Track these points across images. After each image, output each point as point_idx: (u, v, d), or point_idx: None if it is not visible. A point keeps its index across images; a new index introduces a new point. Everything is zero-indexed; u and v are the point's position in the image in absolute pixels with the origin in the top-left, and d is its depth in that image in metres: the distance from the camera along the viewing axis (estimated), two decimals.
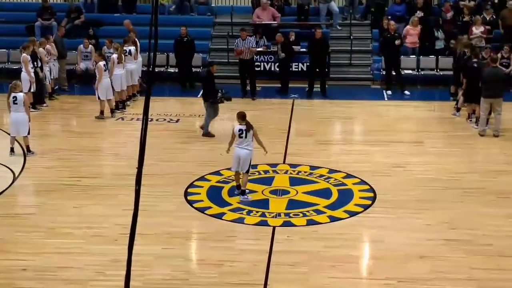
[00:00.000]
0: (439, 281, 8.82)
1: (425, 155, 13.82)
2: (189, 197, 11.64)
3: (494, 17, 19.79)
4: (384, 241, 10.04)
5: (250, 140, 11.29)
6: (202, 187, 12.08)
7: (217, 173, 12.68)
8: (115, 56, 16.73)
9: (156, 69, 19.38)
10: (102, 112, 16.28)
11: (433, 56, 19.53)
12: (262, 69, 19.71)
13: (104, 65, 16.20)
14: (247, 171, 11.39)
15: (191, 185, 12.12)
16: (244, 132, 11.27)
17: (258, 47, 19.30)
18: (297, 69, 19.64)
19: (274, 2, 20.93)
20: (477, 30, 19.04)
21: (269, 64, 19.76)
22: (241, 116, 11.42)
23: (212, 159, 13.36)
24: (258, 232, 10.46)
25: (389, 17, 19.70)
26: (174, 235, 10.20)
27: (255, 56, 18.78)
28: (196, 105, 16.55)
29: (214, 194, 11.76)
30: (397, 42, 18.45)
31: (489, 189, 11.93)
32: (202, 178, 12.43)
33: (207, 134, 14.88)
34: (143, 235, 9.51)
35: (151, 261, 9.27)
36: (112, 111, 16.53)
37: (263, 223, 10.68)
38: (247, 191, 11.53)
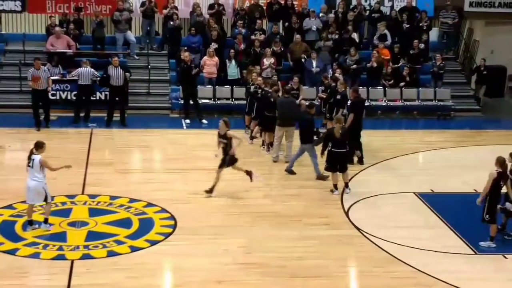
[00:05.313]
0: None
1: (222, 181, 14.23)
2: None
3: (282, 49, 20.98)
4: (184, 268, 10.20)
5: (38, 170, 10.97)
6: None
7: (9, 206, 12.12)
8: None
9: None
10: None
11: (228, 86, 20.24)
12: (58, 98, 19.18)
13: None
14: (50, 200, 11.25)
15: None
16: (31, 161, 11.00)
17: (54, 76, 18.72)
18: (95, 98, 19.39)
19: (69, 30, 20.46)
20: (267, 61, 20.09)
21: (65, 93, 19.28)
22: (35, 145, 11.15)
23: (4, 192, 12.72)
24: (55, 266, 10.11)
25: (185, 48, 20.16)
26: None
27: (51, 86, 18.16)
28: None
29: (7, 229, 11.24)
30: (194, 71, 18.95)
31: (281, 213, 12.57)
32: None
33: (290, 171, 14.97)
34: None
35: None
36: None
37: (61, 257, 10.37)
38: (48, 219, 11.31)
